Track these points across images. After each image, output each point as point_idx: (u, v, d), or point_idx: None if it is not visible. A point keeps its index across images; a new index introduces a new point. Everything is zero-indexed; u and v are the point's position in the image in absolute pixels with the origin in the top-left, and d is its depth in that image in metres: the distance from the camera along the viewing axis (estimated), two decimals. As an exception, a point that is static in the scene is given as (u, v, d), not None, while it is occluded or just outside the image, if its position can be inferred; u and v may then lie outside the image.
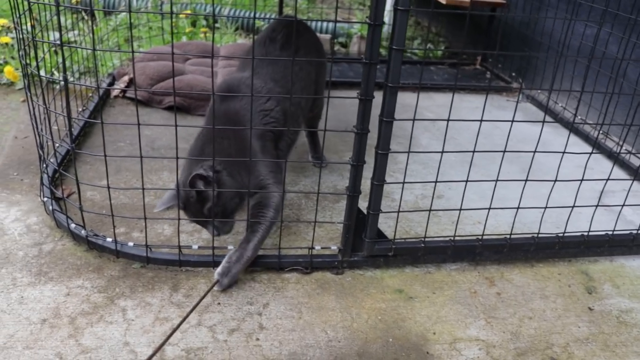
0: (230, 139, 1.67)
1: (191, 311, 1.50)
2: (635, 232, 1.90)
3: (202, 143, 1.68)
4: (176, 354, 1.40)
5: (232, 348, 1.43)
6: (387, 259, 1.75)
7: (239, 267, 1.62)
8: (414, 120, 1.53)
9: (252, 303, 1.58)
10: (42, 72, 1.74)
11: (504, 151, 1.63)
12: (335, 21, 1.31)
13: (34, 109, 1.80)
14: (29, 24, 1.72)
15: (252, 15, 4.04)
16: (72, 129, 1.63)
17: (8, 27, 3.12)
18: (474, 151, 1.59)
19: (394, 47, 1.40)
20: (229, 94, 1.77)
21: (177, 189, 1.60)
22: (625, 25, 2.50)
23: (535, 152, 1.65)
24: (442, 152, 1.59)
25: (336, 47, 3.95)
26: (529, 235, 1.83)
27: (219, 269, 1.61)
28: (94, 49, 1.35)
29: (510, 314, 1.64)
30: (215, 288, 1.60)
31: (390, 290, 1.68)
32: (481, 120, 1.56)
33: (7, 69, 2.77)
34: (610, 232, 1.88)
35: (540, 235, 1.82)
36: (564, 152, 1.69)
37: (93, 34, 1.34)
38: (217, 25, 4.02)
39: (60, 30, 1.36)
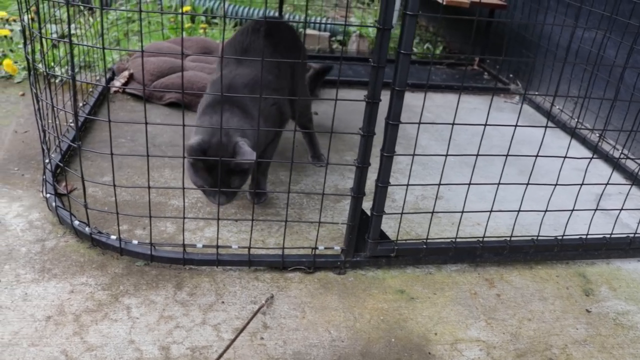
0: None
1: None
2: (632, 235, 1.93)
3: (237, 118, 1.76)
4: (181, 352, 1.40)
5: (236, 347, 1.44)
6: (389, 260, 1.77)
7: None
8: (419, 123, 1.54)
9: (255, 302, 1.59)
10: (44, 67, 1.73)
11: (507, 155, 1.65)
12: (345, 24, 1.31)
13: (38, 104, 1.80)
14: (28, 17, 1.70)
15: (254, 13, 4.04)
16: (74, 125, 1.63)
17: (7, 20, 3.09)
18: (477, 154, 1.61)
19: (402, 51, 1.41)
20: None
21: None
22: (623, 31, 2.53)
23: (537, 156, 1.67)
24: (446, 155, 1.60)
25: (335, 46, 3.95)
26: (529, 238, 1.85)
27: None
28: (103, 47, 1.35)
29: (510, 315, 1.66)
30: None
31: (392, 290, 1.70)
32: (485, 125, 1.58)
33: (6, 62, 2.75)
34: (608, 236, 1.91)
35: (539, 238, 1.84)
36: (565, 157, 1.71)
37: (102, 30, 1.33)
38: (215, 21, 4.01)
39: (69, 26, 1.36)
